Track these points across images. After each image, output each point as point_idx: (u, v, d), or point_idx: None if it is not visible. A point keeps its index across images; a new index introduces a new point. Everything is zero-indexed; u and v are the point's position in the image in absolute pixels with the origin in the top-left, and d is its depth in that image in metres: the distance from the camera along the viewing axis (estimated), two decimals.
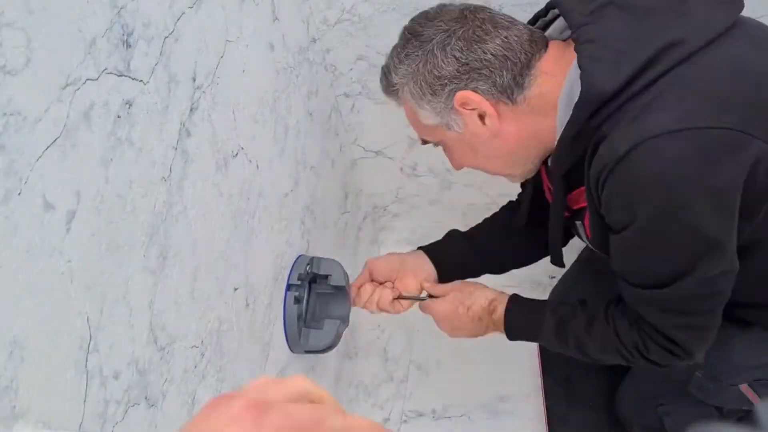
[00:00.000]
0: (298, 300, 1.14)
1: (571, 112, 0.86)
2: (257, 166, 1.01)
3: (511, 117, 0.94)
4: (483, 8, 0.96)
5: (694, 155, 0.78)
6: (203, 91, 0.82)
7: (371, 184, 1.73)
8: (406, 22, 1.30)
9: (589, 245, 1.04)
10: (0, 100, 0.49)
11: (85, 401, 0.60)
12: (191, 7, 0.78)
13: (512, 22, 0.95)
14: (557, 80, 0.91)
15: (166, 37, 0.73)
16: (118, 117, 0.64)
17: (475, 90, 0.92)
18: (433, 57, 0.93)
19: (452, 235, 1.28)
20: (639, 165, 0.80)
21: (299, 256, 1.20)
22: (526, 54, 0.92)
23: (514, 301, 1.14)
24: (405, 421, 1.66)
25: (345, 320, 1.20)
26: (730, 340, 1.08)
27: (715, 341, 1.01)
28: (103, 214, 0.62)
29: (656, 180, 0.80)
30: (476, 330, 1.16)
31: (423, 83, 0.95)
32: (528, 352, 1.71)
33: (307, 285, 1.18)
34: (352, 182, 1.65)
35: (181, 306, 0.78)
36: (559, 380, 1.65)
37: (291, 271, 1.16)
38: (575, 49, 0.87)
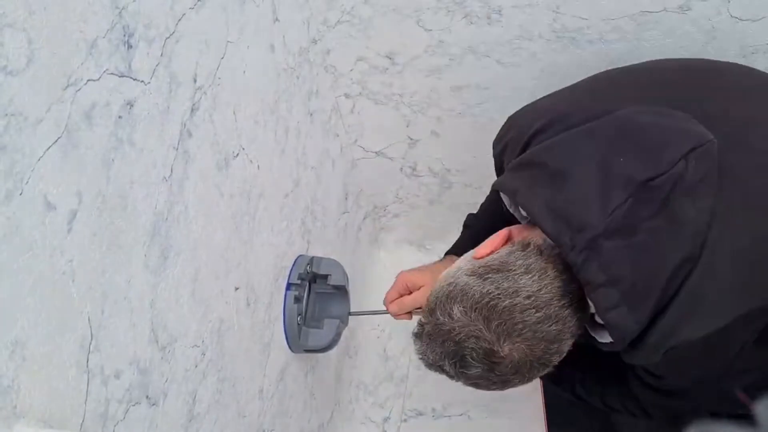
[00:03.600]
0: (298, 299, 1.14)
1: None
2: (258, 167, 1.01)
3: None
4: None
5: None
6: (204, 92, 0.82)
7: (371, 184, 1.73)
8: (407, 23, 1.31)
9: None
10: (1, 101, 0.50)
11: (86, 400, 0.60)
12: (192, 8, 0.78)
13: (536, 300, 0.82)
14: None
15: (168, 38, 0.73)
16: (120, 117, 0.64)
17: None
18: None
19: (471, 225, 1.23)
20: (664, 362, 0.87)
21: (299, 255, 1.20)
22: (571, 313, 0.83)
23: None
24: (405, 420, 1.66)
25: (344, 320, 1.20)
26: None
27: None
28: (105, 214, 0.62)
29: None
30: None
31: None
32: None
33: (307, 284, 1.19)
34: (352, 182, 1.65)
35: (182, 306, 0.78)
36: None
37: (291, 270, 1.16)
38: (588, 295, 0.81)
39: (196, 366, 0.82)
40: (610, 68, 1.07)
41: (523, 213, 0.94)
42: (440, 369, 0.86)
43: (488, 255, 0.86)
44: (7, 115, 0.50)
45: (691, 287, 0.80)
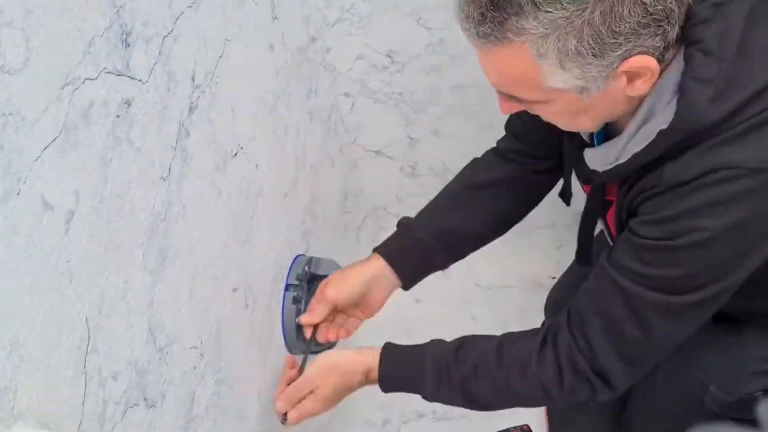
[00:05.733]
0: (296, 300, 1.14)
1: (652, 121, 0.76)
2: (257, 166, 1.01)
3: None
4: None
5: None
6: (202, 91, 0.82)
7: (371, 184, 1.73)
8: (407, 21, 1.30)
9: (610, 242, 0.96)
10: None
11: (83, 402, 0.60)
12: (190, 7, 0.78)
13: None
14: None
15: (165, 37, 0.73)
16: (117, 116, 0.64)
17: (647, 52, 0.71)
18: (620, 4, 0.67)
19: (413, 235, 1.10)
20: (703, 194, 0.74)
21: (297, 256, 1.20)
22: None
23: (389, 349, 1.02)
24: (405, 422, 1.66)
25: None
26: (742, 348, 1.07)
27: (728, 349, 0.99)
28: (102, 214, 0.62)
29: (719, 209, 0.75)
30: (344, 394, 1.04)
31: (592, 41, 0.68)
32: None
33: (305, 285, 1.18)
34: (352, 182, 1.65)
35: (180, 306, 0.78)
36: None
37: (289, 271, 1.16)
38: (687, 53, 0.73)
39: (195, 367, 0.82)
40: None
41: None
42: None
43: None
44: (4, 114, 0.50)
45: None
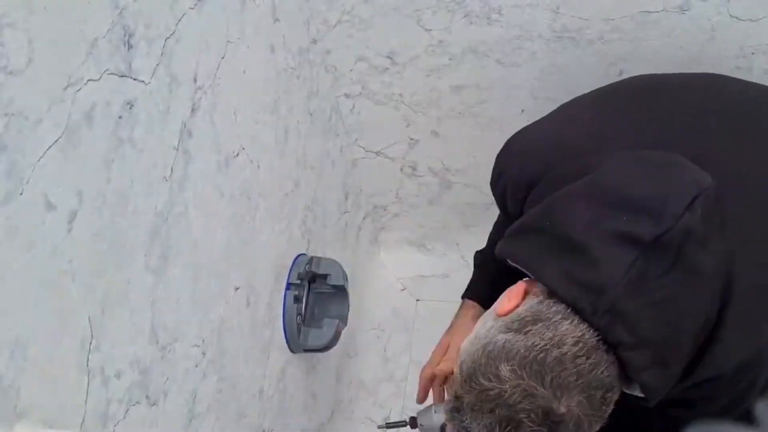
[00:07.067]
0: (297, 299, 1.14)
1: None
2: (258, 166, 1.01)
3: None
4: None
5: None
6: (204, 92, 0.82)
7: (371, 184, 1.73)
8: (407, 23, 1.31)
9: None
10: (2, 101, 0.50)
11: (86, 400, 0.60)
12: (192, 8, 0.78)
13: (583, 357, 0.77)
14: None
15: (168, 38, 0.73)
16: (120, 117, 0.64)
17: None
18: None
19: (483, 264, 1.21)
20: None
21: (298, 255, 1.20)
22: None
23: None
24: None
25: (344, 320, 1.20)
26: None
27: None
28: (105, 215, 0.62)
29: None
30: None
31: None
32: None
33: (306, 284, 1.19)
34: (352, 182, 1.65)
35: (182, 306, 0.78)
36: None
37: (290, 270, 1.16)
38: (620, 355, 0.78)
39: (197, 366, 0.82)
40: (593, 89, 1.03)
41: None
42: None
43: (513, 309, 0.80)
44: (7, 114, 0.50)
45: (723, 334, 0.79)
